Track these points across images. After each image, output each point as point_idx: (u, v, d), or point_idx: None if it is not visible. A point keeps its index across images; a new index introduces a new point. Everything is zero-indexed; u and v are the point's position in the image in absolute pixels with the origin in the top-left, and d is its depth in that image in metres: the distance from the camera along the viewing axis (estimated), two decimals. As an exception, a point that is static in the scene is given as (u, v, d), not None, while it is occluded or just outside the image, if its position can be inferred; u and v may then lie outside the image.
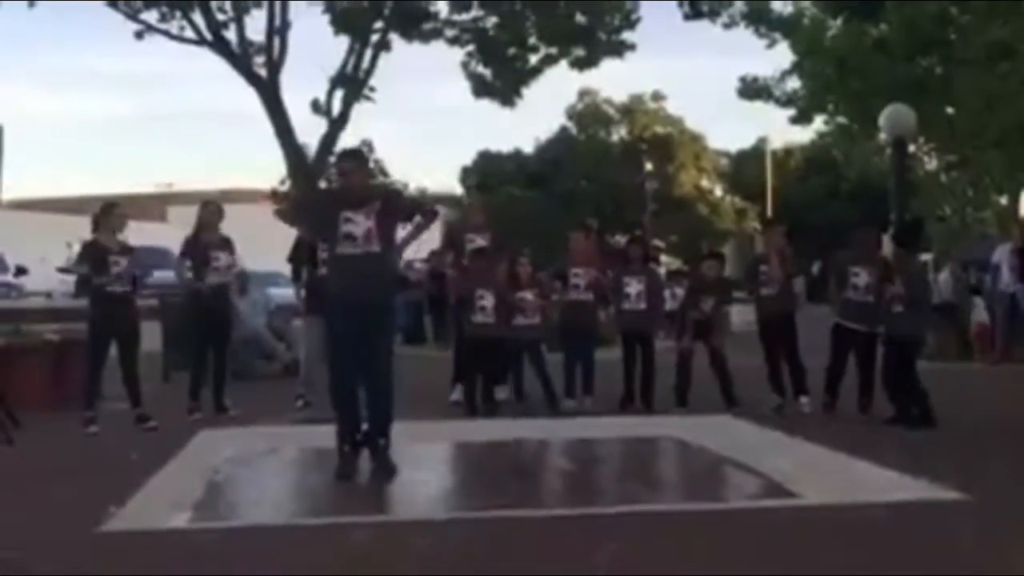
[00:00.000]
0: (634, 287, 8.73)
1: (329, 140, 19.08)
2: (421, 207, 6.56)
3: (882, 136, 16.72)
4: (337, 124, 18.85)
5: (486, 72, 20.31)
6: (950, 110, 18.86)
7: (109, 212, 8.03)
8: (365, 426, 5.91)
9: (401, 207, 6.32)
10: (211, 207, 8.74)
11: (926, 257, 15.69)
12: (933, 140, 21.61)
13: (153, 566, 4.18)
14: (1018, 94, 15.94)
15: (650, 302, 8.76)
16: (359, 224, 5.80)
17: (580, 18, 19.46)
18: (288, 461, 6.97)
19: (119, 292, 7.84)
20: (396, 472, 5.78)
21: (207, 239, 8.54)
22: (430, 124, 57.96)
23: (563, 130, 45.29)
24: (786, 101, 21.39)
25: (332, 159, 21.91)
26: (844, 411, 8.05)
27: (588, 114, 45.78)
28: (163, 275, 11.34)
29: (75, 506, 5.12)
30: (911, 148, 18.52)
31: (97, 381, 7.88)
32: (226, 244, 8.63)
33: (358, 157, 6.75)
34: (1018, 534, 4.48)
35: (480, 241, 8.79)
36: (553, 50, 19.94)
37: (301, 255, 9.03)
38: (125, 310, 7.93)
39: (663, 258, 18.68)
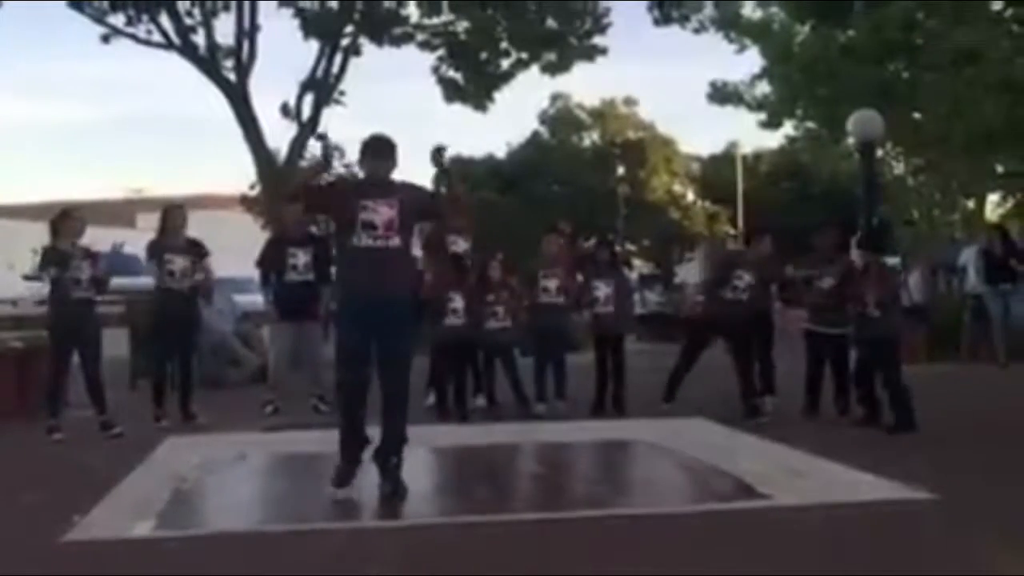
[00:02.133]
0: (603, 290, 8.74)
1: (299, 144, 18.96)
2: (441, 200, 6.01)
3: (850, 140, 16.83)
4: (307, 128, 18.72)
5: (457, 76, 20.26)
6: (917, 115, 19.00)
7: (67, 217, 7.88)
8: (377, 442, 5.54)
9: (422, 202, 5.67)
10: (172, 211, 8.55)
11: (894, 260, 15.81)
12: (901, 144, 21.74)
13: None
14: (984, 99, 16.07)
15: (618, 304, 8.77)
16: (380, 213, 5.35)
17: (551, 23, 19.45)
18: (256, 468, 6.90)
19: (79, 298, 7.71)
20: (407, 492, 5.43)
21: (168, 243, 8.37)
22: (401, 128, 57.50)
23: (535, 134, 45.28)
24: (756, 106, 21.45)
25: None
26: (818, 413, 8.13)
27: (560, 118, 45.81)
28: (130, 280, 11.21)
29: (39, 515, 5.05)
30: (879, 152, 18.61)
31: (61, 388, 7.77)
32: (191, 249, 8.39)
33: (386, 148, 5.56)
34: (989, 534, 4.49)
35: (462, 243, 8.70)
36: (524, 55, 19.91)
37: (270, 260, 8.95)
38: (86, 315, 7.80)
39: (636, 262, 18.71)
